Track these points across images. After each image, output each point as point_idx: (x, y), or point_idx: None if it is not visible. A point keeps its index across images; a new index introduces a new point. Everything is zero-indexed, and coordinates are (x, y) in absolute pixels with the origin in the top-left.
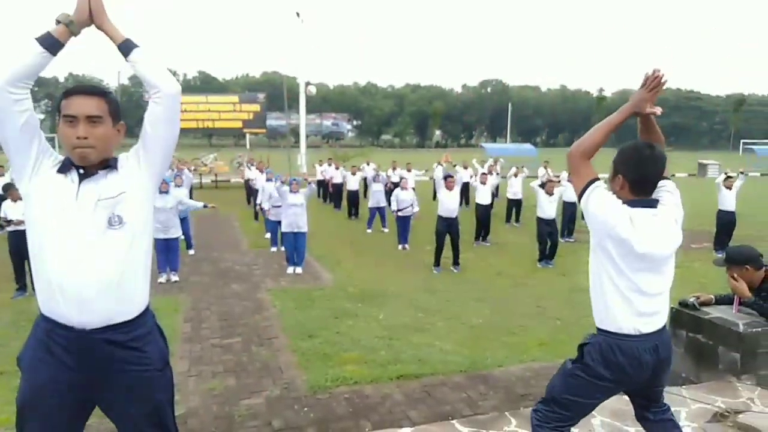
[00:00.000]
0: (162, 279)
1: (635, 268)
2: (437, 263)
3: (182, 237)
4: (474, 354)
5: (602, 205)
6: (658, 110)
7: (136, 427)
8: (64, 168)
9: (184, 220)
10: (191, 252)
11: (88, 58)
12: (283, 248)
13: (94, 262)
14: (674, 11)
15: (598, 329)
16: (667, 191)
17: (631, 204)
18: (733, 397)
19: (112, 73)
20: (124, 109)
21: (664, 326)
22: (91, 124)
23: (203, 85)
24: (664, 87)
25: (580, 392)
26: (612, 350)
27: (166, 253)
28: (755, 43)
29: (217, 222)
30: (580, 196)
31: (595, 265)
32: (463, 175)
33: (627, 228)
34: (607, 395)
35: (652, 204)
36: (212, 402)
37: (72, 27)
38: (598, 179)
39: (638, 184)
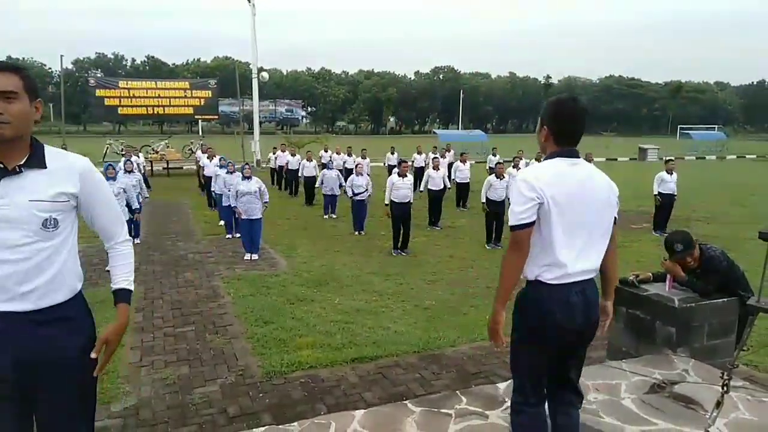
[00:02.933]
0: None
1: (558, 220)
2: (396, 246)
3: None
4: (427, 335)
5: (521, 202)
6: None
7: (56, 413)
8: None
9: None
10: (137, 240)
11: (29, 41)
12: (238, 235)
13: (25, 258)
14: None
15: (527, 281)
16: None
17: (554, 155)
18: (670, 369)
19: (55, 57)
20: (68, 96)
21: (593, 278)
22: (6, 100)
23: (152, 70)
24: None
25: (528, 352)
26: (541, 297)
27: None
28: (692, 33)
29: (170, 210)
30: (514, 227)
31: None
32: (417, 160)
33: (545, 189)
34: (549, 346)
35: (573, 154)
36: (165, 391)
37: None
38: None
39: (561, 135)
